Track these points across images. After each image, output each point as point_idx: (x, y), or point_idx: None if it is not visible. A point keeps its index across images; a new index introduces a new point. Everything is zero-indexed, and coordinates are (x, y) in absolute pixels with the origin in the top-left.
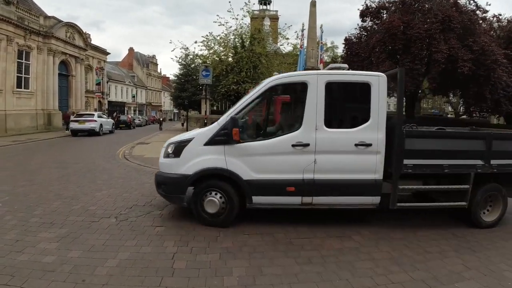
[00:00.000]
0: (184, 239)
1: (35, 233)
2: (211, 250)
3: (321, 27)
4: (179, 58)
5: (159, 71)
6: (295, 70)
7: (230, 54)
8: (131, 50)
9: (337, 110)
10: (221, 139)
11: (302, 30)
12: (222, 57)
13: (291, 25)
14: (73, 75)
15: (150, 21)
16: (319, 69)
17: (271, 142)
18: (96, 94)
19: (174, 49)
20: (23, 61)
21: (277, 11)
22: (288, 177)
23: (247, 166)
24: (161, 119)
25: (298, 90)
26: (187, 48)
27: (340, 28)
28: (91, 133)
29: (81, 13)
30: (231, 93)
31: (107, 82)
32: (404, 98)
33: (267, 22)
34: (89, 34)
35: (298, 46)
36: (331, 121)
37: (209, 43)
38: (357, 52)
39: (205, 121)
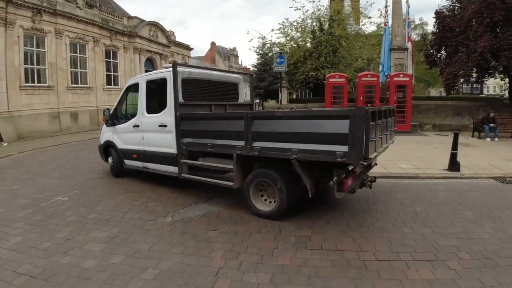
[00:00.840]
0: (235, 249)
1: (88, 231)
2: (263, 268)
3: (407, 2)
4: (257, 48)
5: (240, 63)
6: (379, 52)
7: (308, 39)
8: (213, 44)
9: (151, 100)
10: (110, 123)
11: (386, 7)
12: (300, 43)
13: (373, 3)
14: None
15: (231, 16)
16: (407, 49)
17: (125, 124)
18: None
19: (251, 39)
20: (111, 60)
21: None
22: (133, 148)
23: (119, 139)
24: None
25: (134, 89)
26: (264, 37)
27: (428, 3)
28: None
29: (167, 13)
30: (309, 80)
31: None
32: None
33: (347, 2)
34: (173, 32)
35: (382, 25)
36: (149, 109)
37: (285, 29)
38: (450, 27)
39: (280, 109)
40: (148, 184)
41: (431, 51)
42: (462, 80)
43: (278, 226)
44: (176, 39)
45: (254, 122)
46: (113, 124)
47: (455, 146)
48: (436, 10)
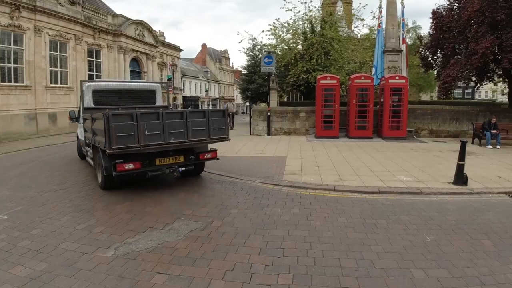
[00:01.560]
0: None
1: (9, 266)
2: None
3: (402, 2)
4: (247, 49)
5: (231, 65)
6: (372, 55)
7: (299, 41)
8: (204, 46)
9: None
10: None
11: (380, 7)
12: (291, 45)
13: (366, 4)
14: (145, 71)
15: (225, 17)
16: (402, 51)
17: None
18: (169, 89)
19: (241, 40)
20: (94, 59)
21: None
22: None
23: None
24: (230, 112)
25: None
26: (254, 38)
27: (421, 8)
28: None
29: (162, 14)
30: (300, 83)
31: (181, 78)
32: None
33: (339, 5)
34: (162, 32)
35: (375, 27)
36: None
37: (276, 31)
38: (448, 27)
39: (268, 113)
40: (107, 199)
41: (427, 53)
42: (460, 83)
43: (248, 269)
44: (167, 40)
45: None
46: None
47: (462, 156)
48: (433, 10)
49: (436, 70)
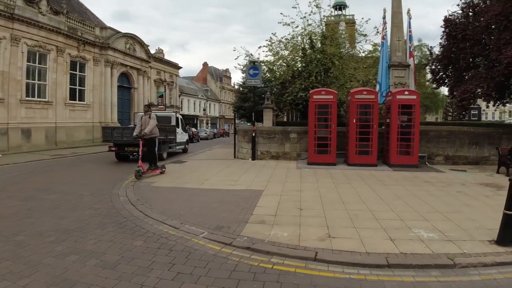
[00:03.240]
0: None
1: None
2: None
3: (408, 12)
4: (243, 66)
5: (232, 84)
6: (375, 73)
7: (298, 58)
8: (205, 64)
9: None
10: None
11: (384, 18)
12: (290, 62)
13: (369, 19)
14: (135, 87)
15: (231, 40)
16: (409, 65)
17: None
18: (159, 107)
19: (237, 57)
20: (77, 72)
21: (353, 15)
22: None
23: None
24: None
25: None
26: (251, 54)
27: (423, 34)
28: None
29: (170, 35)
30: (298, 101)
31: (179, 96)
32: None
33: (342, 27)
34: (162, 50)
35: (379, 44)
36: None
37: (273, 46)
38: (463, 35)
39: (253, 134)
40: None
41: (438, 66)
42: (481, 99)
43: None
44: (169, 58)
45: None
46: None
47: (511, 203)
48: (445, 17)
49: (448, 87)
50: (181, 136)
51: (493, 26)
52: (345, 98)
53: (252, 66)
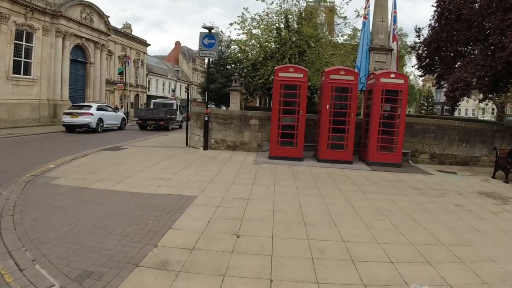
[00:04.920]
0: None
1: None
2: None
3: None
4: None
5: (206, 66)
6: (354, 59)
7: (272, 38)
8: (177, 44)
9: None
10: None
11: None
12: (263, 42)
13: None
14: (91, 62)
15: (209, 21)
16: (392, 50)
17: None
18: (118, 84)
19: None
20: (23, 43)
21: (333, 1)
22: None
23: None
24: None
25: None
26: (221, 32)
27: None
28: (90, 128)
29: (146, 13)
30: (270, 85)
31: (146, 75)
32: None
33: (321, 13)
34: (130, 24)
35: (360, 23)
36: None
37: (245, 22)
38: (458, 15)
39: (206, 118)
40: None
41: (426, 51)
42: (476, 91)
43: None
44: (139, 35)
45: None
46: None
47: None
48: None
49: (435, 74)
50: (179, 116)
51: (495, 4)
52: (320, 84)
53: (207, 34)
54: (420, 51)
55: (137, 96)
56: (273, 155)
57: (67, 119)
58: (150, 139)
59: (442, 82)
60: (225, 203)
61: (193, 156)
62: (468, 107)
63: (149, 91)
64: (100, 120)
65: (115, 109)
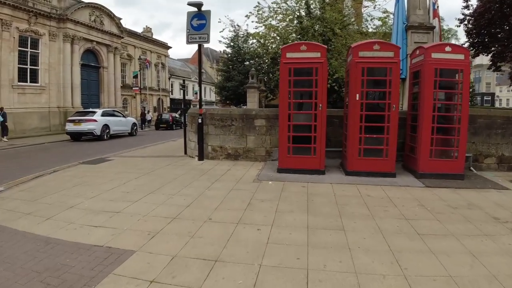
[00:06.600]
0: None
1: None
2: None
3: None
4: (228, 39)
5: (220, 63)
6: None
7: (292, 27)
8: (200, 45)
9: None
10: None
11: None
12: (283, 34)
13: None
14: (105, 66)
15: (237, 23)
16: (434, 27)
17: None
18: (133, 88)
19: (223, 29)
20: (29, 49)
21: None
22: None
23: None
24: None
25: None
26: (237, 25)
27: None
28: (95, 136)
29: (174, 19)
30: None
31: (169, 79)
32: None
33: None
34: (150, 28)
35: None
36: None
37: (262, 14)
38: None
39: (199, 120)
40: None
41: (476, 26)
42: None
43: None
44: (159, 39)
45: None
46: None
47: None
48: None
49: (491, 54)
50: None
51: None
52: (346, 66)
53: (196, 14)
54: (470, 25)
55: (159, 100)
56: (283, 167)
57: (70, 127)
58: (150, 147)
59: (499, 64)
60: (170, 273)
61: (180, 170)
62: (510, 96)
63: (172, 94)
64: (106, 126)
65: (144, 114)
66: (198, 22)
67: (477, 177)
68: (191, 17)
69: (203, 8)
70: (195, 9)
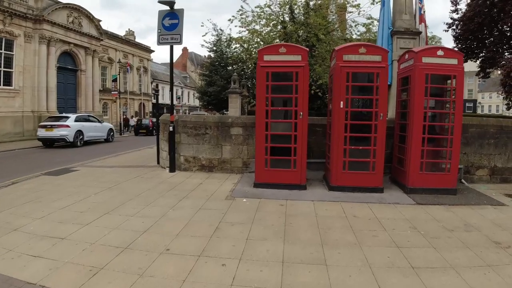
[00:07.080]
0: None
1: None
2: None
3: None
4: (211, 43)
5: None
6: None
7: (276, 33)
8: (184, 50)
9: None
10: None
11: None
12: (267, 38)
13: None
14: (82, 69)
15: (224, 28)
16: (420, 33)
17: None
18: (112, 92)
19: (206, 33)
20: (2, 51)
21: None
22: None
23: None
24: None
25: None
26: (220, 29)
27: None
28: (67, 142)
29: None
30: None
31: (151, 83)
32: None
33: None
34: (133, 31)
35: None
36: None
37: (243, 16)
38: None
39: (171, 127)
40: None
41: (465, 30)
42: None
43: None
44: (141, 41)
45: None
46: None
47: None
48: None
49: (479, 60)
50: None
51: None
52: (329, 71)
53: (169, 12)
54: (458, 31)
55: (141, 104)
56: (260, 182)
57: (42, 133)
58: (123, 155)
59: (488, 70)
60: None
61: (147, 184)
62: (492, 103)
63: (153, 98)
64: (79, 132)
65: (127, 119)
66: (170, 22)
67: (469, 190)
68: (163, 16)
69: (175, 7)
70: (167, 7)
